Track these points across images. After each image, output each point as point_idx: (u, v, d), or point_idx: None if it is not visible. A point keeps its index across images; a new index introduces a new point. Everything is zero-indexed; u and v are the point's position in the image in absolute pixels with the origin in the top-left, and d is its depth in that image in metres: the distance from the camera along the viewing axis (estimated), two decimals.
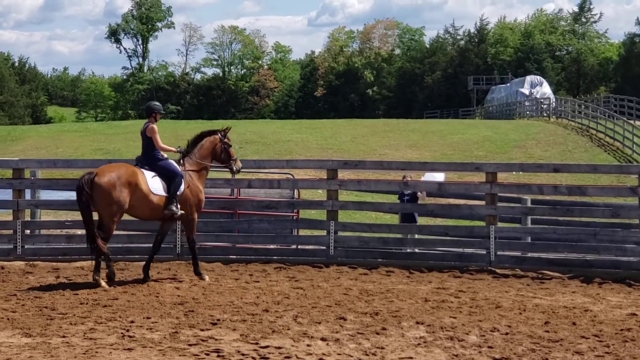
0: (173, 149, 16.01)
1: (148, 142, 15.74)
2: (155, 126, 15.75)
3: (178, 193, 15.49)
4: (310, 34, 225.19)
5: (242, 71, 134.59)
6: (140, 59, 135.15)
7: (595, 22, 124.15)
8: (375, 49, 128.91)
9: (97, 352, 9.89)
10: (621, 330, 11.44)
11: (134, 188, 15.08)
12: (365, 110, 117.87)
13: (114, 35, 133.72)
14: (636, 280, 15.82)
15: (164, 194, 15.39)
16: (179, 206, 15.50)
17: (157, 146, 15.65)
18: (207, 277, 15.69)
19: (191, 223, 15.97)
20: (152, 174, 15.43)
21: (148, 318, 11.88)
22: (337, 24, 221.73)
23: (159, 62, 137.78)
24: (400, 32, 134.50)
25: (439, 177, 18.80)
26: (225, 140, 16.40)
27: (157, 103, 16.49)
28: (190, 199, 15.77)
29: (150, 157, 15.63)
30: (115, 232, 18.89)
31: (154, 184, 15.34)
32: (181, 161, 15.91)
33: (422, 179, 19.06)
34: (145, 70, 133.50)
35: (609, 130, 55.86)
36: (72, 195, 20.66)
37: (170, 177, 15.47)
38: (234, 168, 16.43)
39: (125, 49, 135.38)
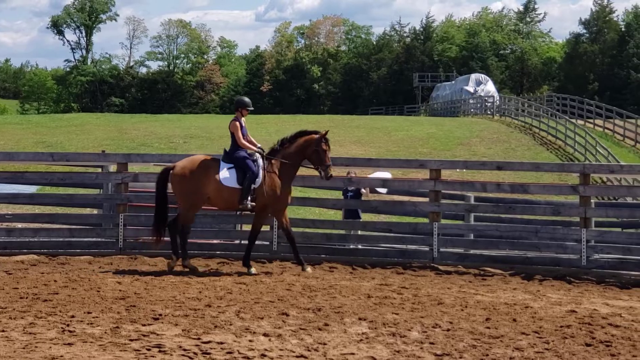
0: (254, 147, 16.36)
1: (232, 138, 16.33)
2: (237, 122, 16.35)
3: (253, 187, 15.79)
4: (257, 29, 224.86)
5: (188, 65, 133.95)
6: (84, 52, 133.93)
7: (539, 21, 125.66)
8: (322, 45, 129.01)
9: (36, 346, 9.78)
10: (561, 326, 11.54)
11: (207, 179, 15.82)
12: (311, 105, 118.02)
13: (56, 26, 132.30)
14: (576, 277, 15.99)
15: (235, 186, 15.83)
16: (249, 201, 15.84)
17: (239, 143, 16.24)
18: (309, 269, 15.97)
19: (278, 217, 16.37)
20: (229, 166, 15.97)
21: (89, 313, 11.76)
22: (285, 19, 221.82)
23: (103, 55, 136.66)
24: (347, 29, 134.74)
25: (385, 177, 18.84)
26: (322, 144, 16.03)
27: (245, 98, 16.87)
28: (269, 194, 15.91)
29: (232, 151, 16.24)
30: (56, 226, 18.82)
31: (226, 176, 15.87)
32: (263, 157, 16.21)
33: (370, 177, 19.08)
34: (89, 63, 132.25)
35: (551, 128, 56.46)
36: (12, 189, 20.51)
37: (244, 172, 15.92)
38: (322, 173, 16.14)
39: (68, 41, 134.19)
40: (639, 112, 73.56)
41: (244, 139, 16.32)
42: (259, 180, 15.94)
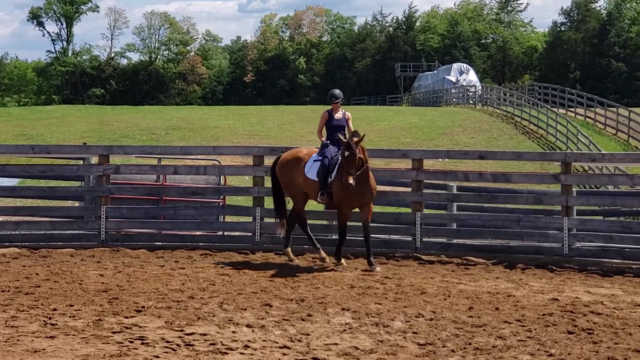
0: (321, 139, 16.05)
1: None
2: (324, 113, 16.15)
3: (329, 180, 15.57)
4: (240, 19, 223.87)
5: (169, 56, 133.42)
6: (65, 43, 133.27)
7: (521, 11, 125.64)
8: (306, 36, 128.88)
9: (18, 340, 9.75)
10: (543, 315, 11.58)
11: (297, 171, 15.96)
12: (294, 96, 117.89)
13: (36, 18, 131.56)
14: (558, 265, 16.03)
15: (315, 179, 15.71)
16: (324, 195, 15.61)
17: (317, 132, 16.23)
18: (378, 268, 15.47)
19: (338, 213, 16.02)
20: (317, 158, 15.81)
21: (71, 306, 11.73)
22: (268, 10, 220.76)
23: (84, 47, 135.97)
24: (331, 19, 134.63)
25: None
26: (347, 150, 15.19)
27: (335, 90, 16.44)
28: (337, 189, 15.57)
29: (322, 144, 15.99)
30: (38, 219, 18.76)
31: (311, 167, 15.77)
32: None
33: None
34: (70, 55, 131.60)
35: (533, 117, 56.58)
36: None
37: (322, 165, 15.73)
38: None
39: (49, 32, 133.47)
40: (620, 101, 73.88)
41: (329, 131, 15.95)
42: (333, 174, 15.60)
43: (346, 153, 15.04)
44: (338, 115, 16.10)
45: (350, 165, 15.03)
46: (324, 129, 16.13)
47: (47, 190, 19.39)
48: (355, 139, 15.12)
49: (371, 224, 16.19)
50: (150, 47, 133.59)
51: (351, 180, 14.95)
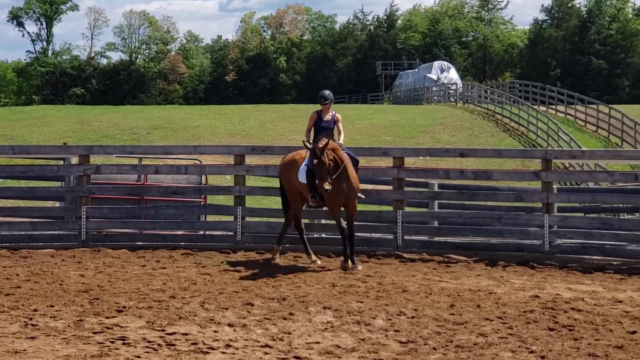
0: (306, 143, 15.66)
1: None
2: (312, 114, 16.11)
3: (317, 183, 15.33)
4: (221, 18, 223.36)
5: (150, 56, 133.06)
6: (45, 43, 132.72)
7: (501, 9, 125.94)
8: (287, 34, 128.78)
9: None
10: (524, 312, 11.61)
11: (293, 173, 15.91)
12: (275, 95, 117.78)
13: (16, 18, 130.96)
14: (539, 262, 16.07)
15: (304, 181, 15.59)
16: (314, 198, 15.43)
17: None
18: (360, 267, 15.43)
19: (331, 214, 15.95)
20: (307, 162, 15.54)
21: (52, 306, 11.70)
22: (249, 8, 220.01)
23: (64, 46, 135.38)
24: (311, 17, 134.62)
25: None
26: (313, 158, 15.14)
27: (325, 92, 16.27)
28: (323, 192, 15.41)
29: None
30: (18, 219, 18.68)
31: (302, 171, 15.65)
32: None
33: None
34: (50, 55, 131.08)
35: (514, 115, 56.77)
36: None
37: None
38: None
39: (29, 32, 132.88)
40: (600, 98, 74.35)
41: (317, 133, 15.73)
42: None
43: (314, 161, 14.94)
44: (327, 117, 15.97)
45: (321, 172, 14.92)
46: (312, 130, 15.99)
47: (28, 191, 19.32)
48: (320, 145, 14.93)
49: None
50: (130, 46, 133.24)
51: (327, 186, 14.87)
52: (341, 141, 15.72)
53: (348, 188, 15.37)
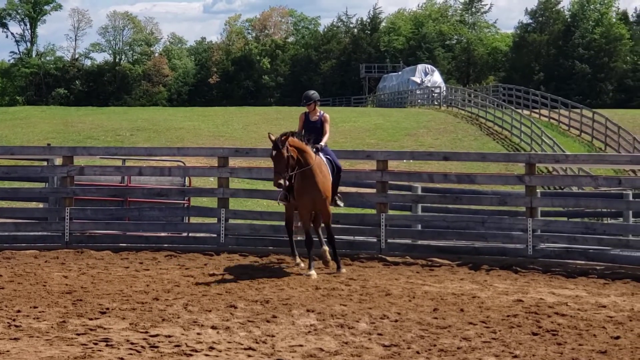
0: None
1: None
2: (300, 115, 15.93)
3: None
4: (205, 20, 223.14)
5: (134, 57, 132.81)
6: (29, 44, 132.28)
7: (485, 12, 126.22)
8: (270, 36, 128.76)
9: None
10: (508, 316, 11.63)
11: None
12: (259, 97, 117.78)
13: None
14: (522, 266, 16.09)
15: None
16: (283, 197, 15.45)
17: None
18: (344, 269, 15.32)
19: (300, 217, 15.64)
20: None
21: (35, 307, 11.66)
22: (233, 11, 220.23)
23: (47, 47, 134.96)
24: (295, 20, 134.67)
25: None
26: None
27: (309, 92, 15.95)
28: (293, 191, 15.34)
29: None
30: (1, 220, 18.63)
31: None
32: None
33: None
34: (34, 56, 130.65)
35: (497, 119, 56.92)
36: None
37: None
38: None
39: (12, 33, 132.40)
40: (584, 102, 74.55)
41: (306, 134, 15.44)
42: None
43: (273, 152, 14.64)
44: (314, 117, 15.79)
45: (278, 165, 14.59)
46: (303, 131, 15.69)
47: (11, 192, 19.27)
48: (284, 137, 14.64)
49: (335, 225, 16.15)
50: (114, 47, 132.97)
51: (280, 181, 14.56)
52: (323, 142, 15.55)
53: (315, 191, 14.95)
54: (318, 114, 15.84)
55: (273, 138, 14.68)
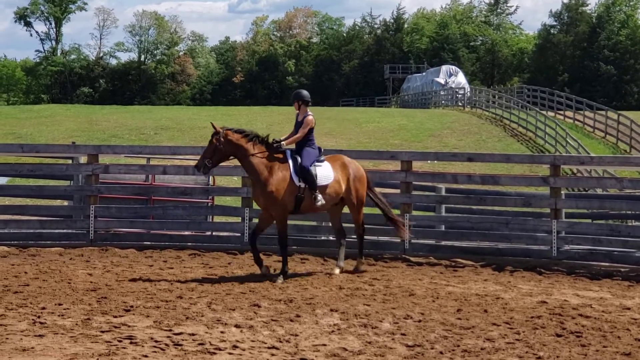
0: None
1: None
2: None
3: None
4: (229, 20, 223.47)
5: (160, 56, 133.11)
6: (54, 43, 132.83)
7: (510, 13, 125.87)
8: (295, 37, 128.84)
9: (7, 338, 9.72)
10: (531, 317, 11.60)
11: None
12: (283, 98, 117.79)
13: (23, 18, 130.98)
14: (546, 268, 16.05)
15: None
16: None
17: None
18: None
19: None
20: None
21: (60, 304, 11.71)
22: (258, 10, 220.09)
23: (72, 46, 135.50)
24: (320, 20, 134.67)
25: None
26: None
27: (296, 91, 15.97)
28: None
29: None
30: (27, 218, 18.74)
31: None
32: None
33: None
34: (59, 54, 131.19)
35: (522, 120, 56.72)
36: None
37: None
38: None
39: (37, 32, 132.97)
40: (609, 104, 74.27)
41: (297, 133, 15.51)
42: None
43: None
44: (300, 117, 15.58)
45: (205, 151, 14.78)
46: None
47: (36, 189, 19.35)
48: (224, 129, 14.78)
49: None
50: (140, 46, 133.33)
51: (199, 165, 14.61)
52: (284, 142, 15.36)
53: (259, 184, 14.69)
54: (305, 114, 15.54)
55: (215, 128, 14.71)
